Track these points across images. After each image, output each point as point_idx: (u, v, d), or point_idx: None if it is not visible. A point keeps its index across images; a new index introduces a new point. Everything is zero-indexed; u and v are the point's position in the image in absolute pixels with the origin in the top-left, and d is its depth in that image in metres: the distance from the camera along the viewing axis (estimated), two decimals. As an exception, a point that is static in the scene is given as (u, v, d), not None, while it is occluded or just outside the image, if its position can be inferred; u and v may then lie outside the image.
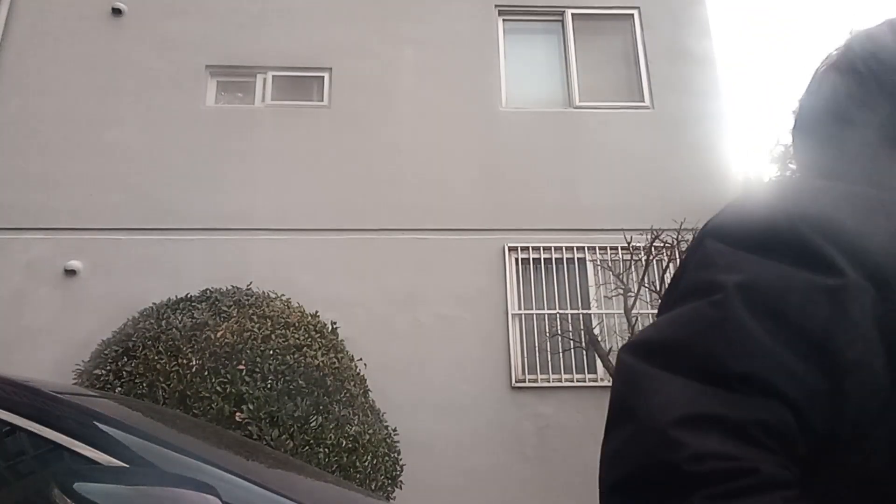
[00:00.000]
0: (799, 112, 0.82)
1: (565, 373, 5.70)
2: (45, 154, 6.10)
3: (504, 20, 7.05)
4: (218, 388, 3.98)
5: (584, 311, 5.85)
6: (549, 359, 5.68)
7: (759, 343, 0.54)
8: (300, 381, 4.15)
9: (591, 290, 5.98)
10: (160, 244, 5.83)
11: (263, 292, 5.05)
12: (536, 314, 5.89)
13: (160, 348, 4.23)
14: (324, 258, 5.87)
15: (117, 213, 5.93)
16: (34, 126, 6.18)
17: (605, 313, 5.91)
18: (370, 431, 4.31)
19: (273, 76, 6.62)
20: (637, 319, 5.09)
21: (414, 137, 6.38)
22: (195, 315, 4.50)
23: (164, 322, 4.47)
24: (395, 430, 4.78)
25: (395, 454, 4.62)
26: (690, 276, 0.63)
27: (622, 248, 5.53)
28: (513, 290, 5.92)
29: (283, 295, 5.13)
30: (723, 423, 0.52)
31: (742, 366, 0.54)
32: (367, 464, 4.16)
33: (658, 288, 5.03)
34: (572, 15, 7.03)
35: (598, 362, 5.26)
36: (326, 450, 3.98)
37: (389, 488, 4.47)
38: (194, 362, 4.10)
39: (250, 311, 4.60)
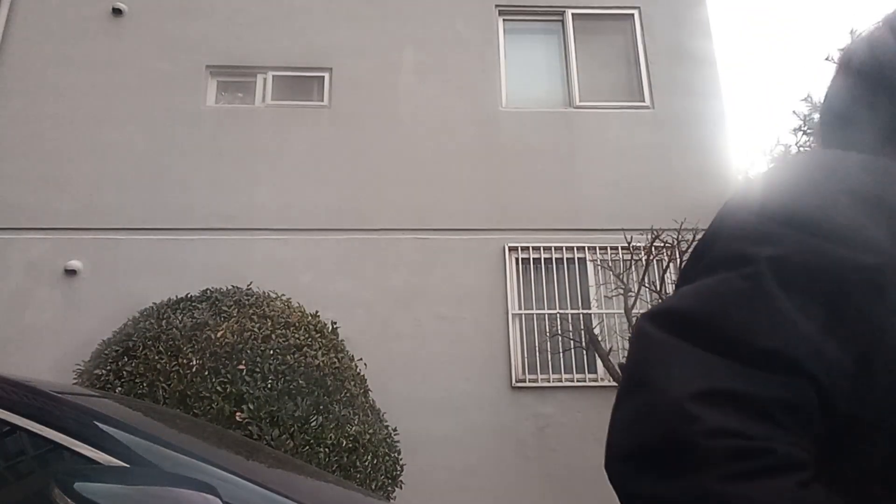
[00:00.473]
0: (819, 117, 0.82)
1: (565, 373, 5.69)
2: (46, 154, 6.10)
3: (504, 20, 7.04)
4: (218, 387, 3.98)
5: (585, 311, 5.85)
6: (550, 359, 5.68)
7: (788, 319, 0.53)
8: (300, 381, 4.15)
9: (592, 290, 5.98)
10: (161, 244, 5.83)
11: (264, 292, 5.05)
12: (537, 314, 5.89)
13: (160, 348, 4.23)
14: (324, 258, 5.87)
15: (118, 213, 5.93)
16: (35, 126, 6.18)
17: (606, 313, 5.91)
18: (370, 431, 4.31)
19: (273, 76, 6.62)
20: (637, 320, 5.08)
21: (414, 137, 6.38)
22: (195, 315, 4.51)
23: (164, 322, 4.47)
24: (395, 429, 4.78)
25: (396, 454, 4.62)
26: (720, 247, 0.61)
27: (622, 248, 5.53)
28: (513, 290, 5.92)
29: (283, 295, 5.13)
30: (742, 399, 0.51)
31: (769, 342, 0.52)
32: (367, 463, 4.16)
33: (658, 288, 5.03)
34: (572, 15, 7.02)
35: (599, 362, 5.26)
36: (327, 449, 3.98)
37: (390, 488, 4.47)
38: (195, 362, 4.10)
39: (251, 311, 4.60)
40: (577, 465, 5.38)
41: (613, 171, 6.32)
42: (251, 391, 3.97)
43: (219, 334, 4.27)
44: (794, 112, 13.39)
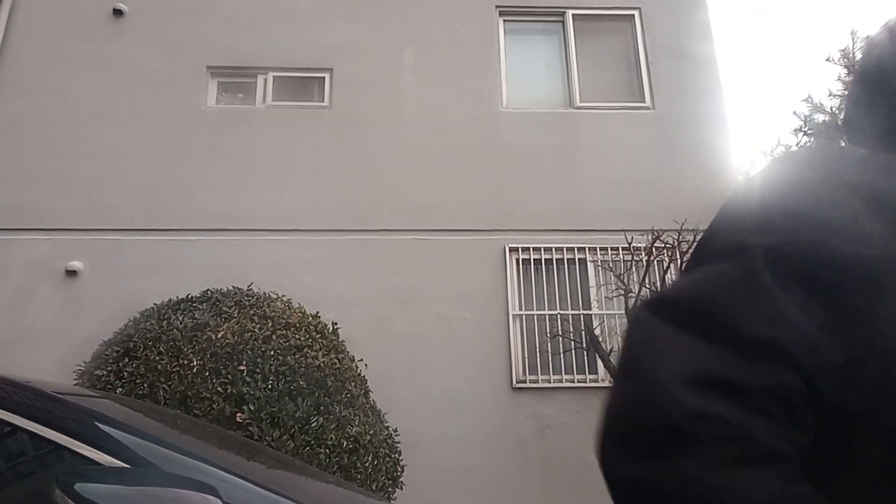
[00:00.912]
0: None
1: (566, 373, 5.69)
2: (47, 154, 6.10)
3: (505, 20, 7.05)
4: (219, 388, 3.98)
5: (585, 312, 5.85)
6: (550, 359, 5.68)
7: (780, 309, 0.53)
8: (301, 382, 4.14)
9: (592, 291, 5.98)
10: (161, 245, 5.84)
11: (264, 293, 5.05)
12: (537, 315, 5.89)
13: (161, 349, 4.23)
14: (325, 259, 5.87)
15: (118, 214, 5.93)
16: (35, 126, 6.18)
17: (606, 314, 5.91)
18: (371, 432, 4.31)
19: (274, 77, 6.63)
20: (638, 320, 5.07)
21: (414, 138, 6.38)
22: (196, 315, 4.51)
23: (165, 322, 4.47)
24: (395, 430, 4.78)
25: (396, 455, 4.62)
26: (718, 238, 0.62)
27: (623, 249, 5.52)
28: (513, 291, 5.92)
29: (283, 295, 5.13)
30: (729, 385, 0.51)
31: (759, 330, 0.52)
32: (367, 464, 4.16)
33: (659, 288, 5.02)
34: (573, 15, 7.03)
35: (599, 363, 5.26)
36: (327, 450, 3.98)
37: (390, 489, 4.47)
38: (195, 363, 4.10)
39: (251, 312, 4.60)
40: (578, 466, 5.37)
41: (614, 172, 6.32)
42: (252, 392, 3.97)
43: (219, 335, 4.27)
44: (794, 112, 13.38)
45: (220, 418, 3.86)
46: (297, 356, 4.33)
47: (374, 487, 4.19)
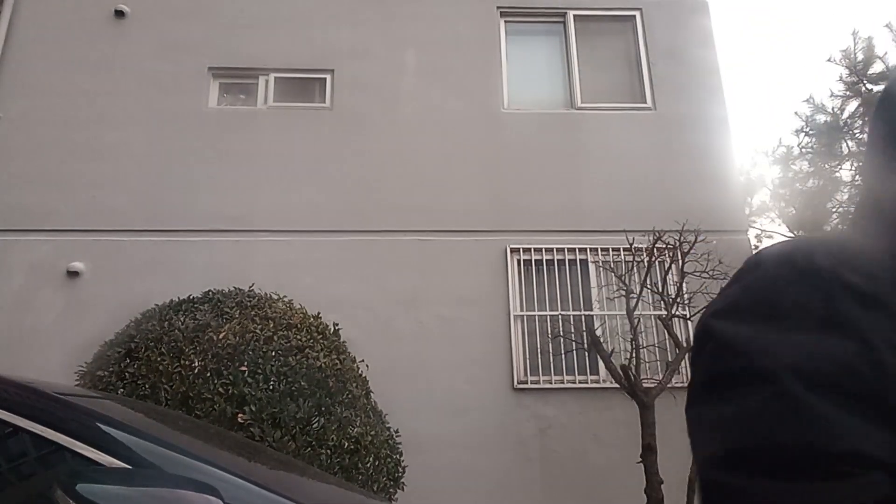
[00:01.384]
0: None
1: (567, 374, 5.69)
2: (48, 155, 6.11)
3: (506, 21, 7.05)
4: (220, 389, 3.98)
5: (587, 313, 5.85)
6: (552, 360, 5.68)
7: (839, 420, 0.51)
8: (302, 383, 4.15)
9: (593, 292, 5.97)
10: (163, 245, 5.84)
11: (265, 293, 5.05)
12: (538, 315, 5.89)
13: (162, 349, 4.23)
14: (326, 260, 5.88)
15: (120, 215, 5.94)
16: (37, 127, 6.19)
17: (608, 315, 5.91)
18: (372, 433, 4.31)
19: (275, 78, 6.64)
20: (639, 321, 5.08)
21: (416, 139, 6.39)
22: (197, 316, 4.51)
23: (166, 323, 4.47)
24: (397, 431, 4.78)
25: (398, 455, 4.62)
26: (710, 368, 0.59)
27: (624, 250, 5.52)
28: (515, 292, 5.92)
29: (285, 296, 5.14)
30: None
31: (832, 446, 0.51)
32: (369, 465, 4.16)
33: (660, 289, 5.02)
34: (574, 16, 7.03)
35: (600, 364, 5.25)
36: (328, 451, 3.98)
37: (391, 490, 4.47)
38: (196, 363, 4.10)
39: (252, 313, 4.60)
40: (579, 467, 5.38)
41: (615, 173, 6.32)
42: (253, 392, 3.97)
43: (221, 336, 4.28)
44: (795, 113, 13.37)
45: (222, 419, 3.86)
46: (298, 357, 4.33)
47: (375, 488, 4.19)
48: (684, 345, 4.88)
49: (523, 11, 7.08)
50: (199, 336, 4.29)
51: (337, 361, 4.59)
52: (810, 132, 12.80)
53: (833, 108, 12.24)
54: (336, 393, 4.29)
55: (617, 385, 4.66)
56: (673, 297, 5.01)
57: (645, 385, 4.61)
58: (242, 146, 6.29)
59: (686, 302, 5.01)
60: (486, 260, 5.99)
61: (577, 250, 6.08)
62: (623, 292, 4.94)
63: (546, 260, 6.06)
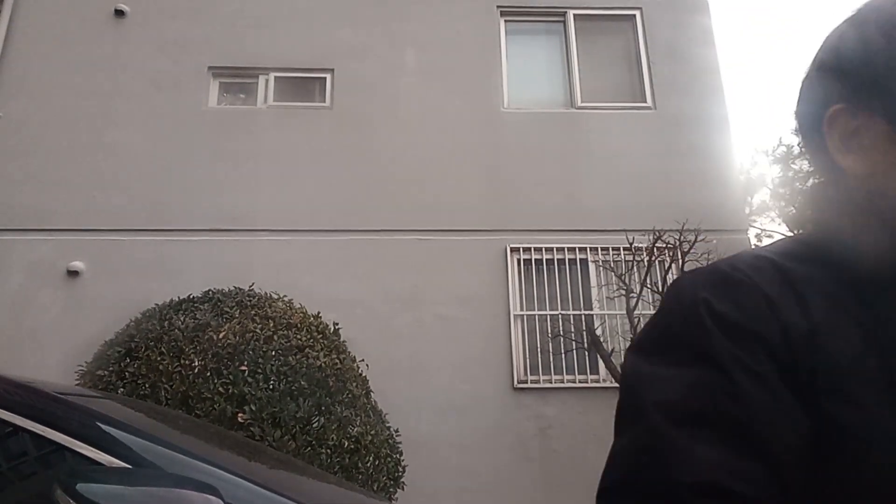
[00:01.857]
0: None
1: (567, 374, 5.69)
2: (48, 155, 6.11)
3: (506, 21, 7.05)
4: (220, 388, 3.98)
5: (586, 312, 5.85)
6: (551, 360, 5.68)
7: (696, 452, 0.54)
8: (302, 382, 4.15)
9: (593, 291, 5.98)
10: (162, 245, 5.84)
11: (265, 293, 5.05)
12: (538, 315, 5.89)
13: (163, 349, 4.23)
14: (326, 259, 5.88)
15: (120, 214, 5.94)
16: (37, 127, 6.19)
17: (608, 314, 5.91)
18: (372, 432, 4.31)
19: (275, 77, 6.64)
20: (639, 320, 5.08)
21: (416, 138, 6.39)
22: (197, 316, 4.51)
23: (166, 323, 4.47)
24: (397, 430, 4.78)
25: (398, 455, 4.62)
26: (620, 401, 0.63)
27: (624, 249, 5.52)
28: (515, 291, 5.92)
29: (285, 296, 5.14)
30: None
31: (688, 477, 0.53)
32: (369, 465, 4.16)
33: (660, 289, 5.02)
34: (574, 15, 7.03)
35: (600, 363, 5.25)
36: (328, 451, 3.98)
37: (391, 489, 4.47)
38: (196, 363, 4.10)
39: (252, 312, 4.60)
40: (579, 466, 5.37)
41: (615, 172, 6.32)
42: (253, 392, 3.97)
43: (221, 335, 4.28)
44: (795, 112, 13.35)
45: (222, 418, 3.86)
46: (298, 356, 4.33)
47: (375, 488, 4.19)
48: (684, 344, 4.87)
49: (523, 11, 7.08)
50: (199, 335, 4.29)
51: (337, 361, 4.59)
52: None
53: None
54: (336, 392, 4.29)
55: (617, 384, 4.65)
56: (673, 296, 5.00)
57: (645, 384, 4.60)
58: (242, 146, 6.28)
59: (686, 301, 5.00)
60: (486, 259, 5.99)
61: (577, 250, 6.08)
62: (623, 292, 4.94)
63: (546, 259, 6.06)
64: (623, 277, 4.98)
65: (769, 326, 0.58)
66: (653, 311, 4.89)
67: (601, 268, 5.93)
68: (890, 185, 0.61)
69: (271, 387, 4.04)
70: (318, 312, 5.04)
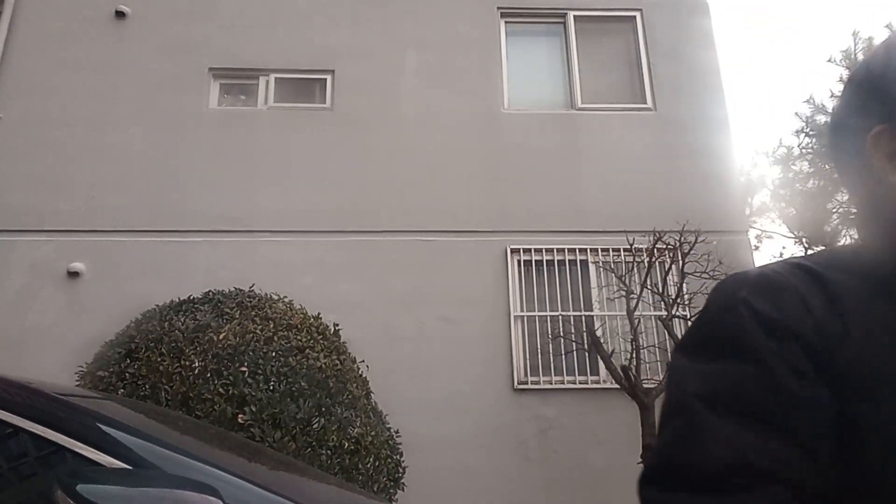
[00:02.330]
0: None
1: (567, 375, 5.69)
2: (49, 156, 6.11)
3: (506, 22, 7.05)
4: (220, 389, 3.98)
5: (587, 313, 5.85)
6: (552, 361, 5.68)
7: (735, 435, 0.58)
8: (302, 383, 4.15)
9: (594, 292, 5.97)
10: (163, 246, 5.84)
11: (266, 294, 5.05)
12: (539, 316, 5.89)
13: (163, 350, 4.23)
14: (326, 260, 5.88)
15: (120, 215, 5.94)
16: (38, 128, 6.20)
17: (608, 315, 5.91)
18: (372, 433, 4.31)
19: (276, 78, 6.64)
20: (639, 321, 5.08)
21: (416, 139, 6.39)
22: (198, 317, 4.51)
23: (166, 324, 4.47)
24: (397, 431, 4.78)
25: (398, 456, 4.62)
26: (666, 398, 0.67)
27: (624, 250, 5.52)
28: (515, 292, 5.92)
29: (285, 297, 5.14)
30: None
31: (727, 458, 0.57)
32: (369, 465, 4.16)
33: (660, 290, 5.02)
34: (574, 17, 7.03)
35: (601, 364, 5.25)
36: (329, 451, 3.98)
37: (392, 490, 4.47)
38: (197, 364, 4.10)
39: (253, 313, 4.60)
40: (579, 467, 5.38)
41: (615, 173, 6.32)
42: (253, 393, 3.97)
43: (221, 336, 4.28)
44: (796, 114, 13.35)
45: (222, 419, 3.86)
46: (298, 357, 4.33)
47: (375, 488, 4.19)
48: (684, 345, 4.87)
49: (523, 12, 7.09)
50: (200, 336, 4.29)
51: (337, 362, 4.59)
52: (811, 133, 12.79)
53: (833, 109, 12.22)
54: (336, 393, 4.29)
55: (617, 385, 4.66)
56: (673, 297, 5.01)
57: (645, 385, 4.61)
58: (243, 147, 6.29)
59: (686, 302, 5.01)
60: (487, 260, 5.99)
61: (577, 251, 6.08)
62: (623, 293, 4.94)
63: (546, 260, 6.06)
64: (623, 278, 4.97)
65: (805, 325, 0.61)
66: (653, 312, 4.88)
67: (601, 269, 5.93)
68: None
69: (271, 388, 4.04)
70: (319, 313, 5.04)
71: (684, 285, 4.95)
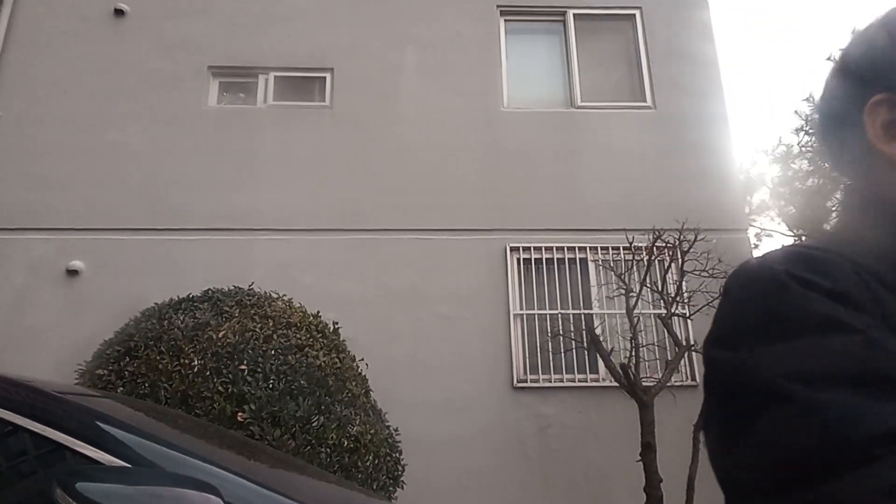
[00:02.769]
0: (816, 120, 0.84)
1: (567, 373, 5.69)
2: (48, 155, 6.11)
3: (506, 20, 7.05)
4: (220, 388, 3.98)
5: (586, 312, 5.85)
6: (551, 359, 5.68)
7: (857, 406, 0.53)
8: (302, 381, 4.15)
9: (593, 291, 5.98)
10: (162, 244, 5.84)
11: (265, 292, 5.05)
12: (538, 314, 5.89)
13: (162, 348, 4.23)
14: (326, 258, 5.88)
15: (119, 214, 5.94)
16: (37, 126, 6.19)
17: (607, 313, 5.91)
18: (372, 431, 4.31)
19: (275, 76, 6.63)
20: (639, 320, 5.08)
21: (415, 138, 6.39)
22: (197, 315, 4.51)
23: (166, 322, 4.47)
24: (396, 430, 4.78)
25: (397, 454, 4.62)
26: (726, 404, 0.61)
27: (624, 249, 5.52)
28: (514, 290, 5.92)
29: (284, 295, 5.13)
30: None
31: (862, 431, 0.52)
32: (368, 464, 4.16)
33: (660, 288, 5.02)
34: (574, 15, 7.02)
35: (600, 363, 5.25)
36: (328, 450, 3.98)
37: (391, 488, 4.47)
38: (196, 362, 4.10)
39: (252, 311, 4.60)
40: (579, 465, 5.38)
41: (615, 172, 6.32)
42: (253, 391, 3.97)
43: (220, 334, 4.28)
44: (795, 112, 13.36)
45: (221, 418, 3.86)
46: (297, 356, 4.33)
47: (374, 487, 4.19)
48: (684, 343, 4.88)
49: (523, 10, 7.08)
50: (199, 335, 4.29)
51: (336, 360, 4.59)
52: (810, 131, 12.79)
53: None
54: (335, 391, 4.29)
55: (616, 384, 4.66)
56: (672, 295, 5.01)
57: (644, 384, 4.61)
58: (242, 145, 6.28)
59: (686, 301, 5.01)
60: (486, 258, 5.99)
61: (576, 249, 6.08)
62: (623, 291, 4.94)
63: (546, 259, 6.06)
64: (623, 277, 4.97)
65: (863, 294, 0.57)
66: (652, 310, 4.83)
67: (601, 267, 5.93)
68: None
69: (271, 386, 4.04)
70: (318, 311, 5.04)
71: (684, 283, 4.95)
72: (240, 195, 6.07)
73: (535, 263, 6.06)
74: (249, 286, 5.16)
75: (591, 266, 6.06)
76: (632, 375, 4.50)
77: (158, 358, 4.17)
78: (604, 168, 6.36)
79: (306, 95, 6.68)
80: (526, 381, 5.66)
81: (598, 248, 6.07)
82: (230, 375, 4.03)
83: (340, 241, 5.98)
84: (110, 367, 4.29)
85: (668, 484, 4.28)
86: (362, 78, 6.60)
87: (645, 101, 6.72)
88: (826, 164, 0.85)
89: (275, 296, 5.05)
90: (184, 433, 2.17)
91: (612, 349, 4.81)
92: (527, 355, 5.76)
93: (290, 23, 6.76)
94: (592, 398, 5.58)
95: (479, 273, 5.93)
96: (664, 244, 4.99)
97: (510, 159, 6.37)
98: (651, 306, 5.60)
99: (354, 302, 5.62)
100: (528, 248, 6.07)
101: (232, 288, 5.05)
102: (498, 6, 7.00)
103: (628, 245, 5.17)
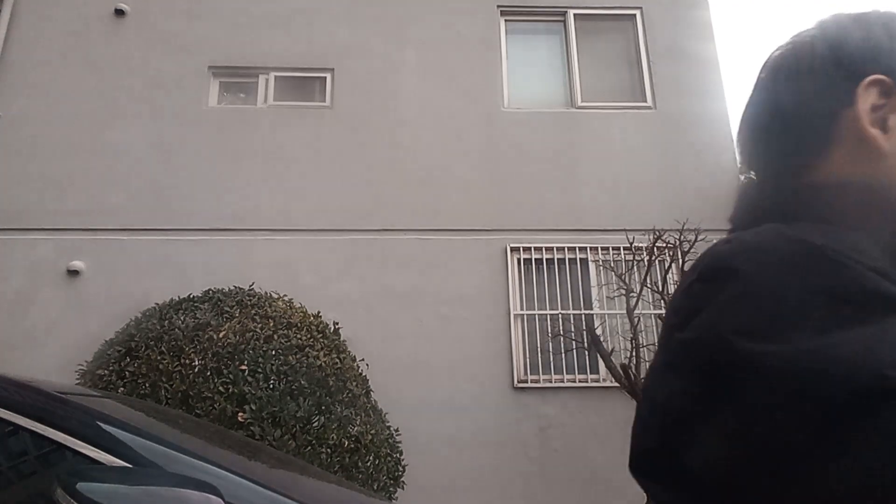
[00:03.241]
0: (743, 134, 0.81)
1: (567, 373, 5.69)
2: (48, 155, 6.11)
3: (506, 20, 7.04)
4: (220, 388, 3.98)
5: (587, 312, 5.85)
6: (552, 359, 5.68)
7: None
8: (302, 382, 4.15)
9: (594, 291, 5.97)
10: (163, 244, 5.84)
11: (266, 292, 5.05)
12: (538, 314, 5.89)
13: (163, 348, 4.23)
14: (326, 259, 5.88)
15: (120, 214, 5.94)
16: (37, 127, 6.19)
17: (608, 314, 5.91)
18: (372, 432, 4.31)
19: (275, 77, 6.63)
20: (639, 320, 5.08)
21: (416, 138, 6.39)
22: (198, 315, 4.51)
23: (166, 322, 4.47)
24: (397, 430, 4.79)
25: (398, 454, 4.62)
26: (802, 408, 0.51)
27: (624, 249, 5.52)
28: (515, 291, 5.92)
29: (285, 295, 5.13)
30: None
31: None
32: (369, 464, 4.16)
33: (660, 288, 5.02)
34: (574, 15, 7.02)
35: (600, 363, 5.25)
36: (329, 450, 3.98)
37: (392, 488, 4.47)
38: (197, 362, 4.10)
39: (253, 312, 4.60)
40: (579, 466, 5.38)
41: (615, 172, 6.32)
42: (253, 391, 3.97)
43: (221, 335, 4.28)
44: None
45: (222, 418, 3.86)
46: (298, 356, 4.33)
47: (375, 487, 4.19)
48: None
49: (524, 10, 7.08)
50: (200, 335, 4.29)
51: (337, 360, 4.59)
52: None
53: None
54: (336, 392, 4.30)
55: (617, 384, 4.66)
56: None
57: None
58: (242, 145, 6.28)
59: (686, 301, 5.00)
60: (486, 259, 5.99)
61: (577, 249, 6.08)
62: (623, 291, 4.94)
63: (546, 259, 6.06)
64: (623, 277, 4.97)
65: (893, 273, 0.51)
66: (653, 311, 4.78)
67: (601, 267, 5.93)
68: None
69: (271, 386, 4.05)
70: (319, 312, 5.04)
71: (684, 284, 4.94)
72: (240, 195, 6.07)
73: (535, 264, 6.05)
74: (250, 286, 5.16)
75: (592, 266, 6.05)
76: (632, 375, 4.50)
77: (159, 358, 4.17)
78: (604, 168, 6.36)
79: (307, 95, 6.68)
80: (526, 381, 5.66)
81: (599, 249, 6.07)
82: (231, 376, 4.03)
83: (341, 241, 5.98)
84: (111, 368, 4.29)
85: (669, 484, 4.27)
86: (362, 78, 6.60)
87: (645, 101, 6.72)
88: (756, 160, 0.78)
89: (275, 296, 5.05)
90: (184, 433, 2.17)
91: (612, 349, 4.81)
92: (527, 355, 5.76)
93: (290, 23, 6.76)
94: (593, 398, 5.58)
95: (480, 273, 5.93)
96: (664, 244, 4.99)
97: (510, 159, 6.37)
98: (651, 306, 5.60)
99: (355, 302, 5.62)
100: (529, 249, 6.07)
101: (232, 288, 5.05)
102: (498, 6, 7.00)
103: (629, 245, 5.17)
